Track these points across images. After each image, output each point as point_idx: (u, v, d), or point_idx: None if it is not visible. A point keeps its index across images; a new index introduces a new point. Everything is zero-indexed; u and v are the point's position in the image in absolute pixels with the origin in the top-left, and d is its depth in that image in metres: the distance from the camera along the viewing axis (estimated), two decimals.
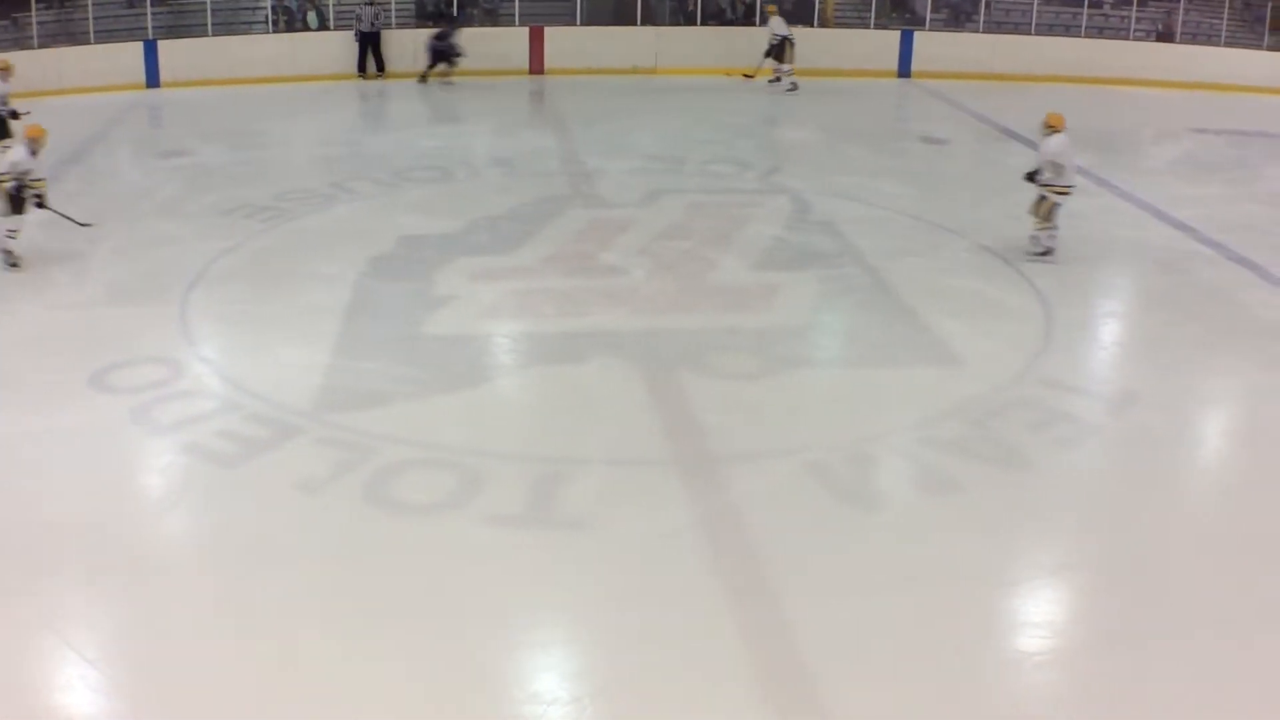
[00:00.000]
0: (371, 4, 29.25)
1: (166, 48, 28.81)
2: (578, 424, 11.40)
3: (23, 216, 15.31)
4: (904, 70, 29.65)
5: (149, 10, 29.42)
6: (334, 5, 30.02)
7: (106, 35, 29.03)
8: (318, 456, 10.61)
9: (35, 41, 29.16)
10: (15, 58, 28.65)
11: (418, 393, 11.95)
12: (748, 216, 17.45)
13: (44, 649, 8.39)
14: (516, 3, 30.60)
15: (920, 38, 29.48)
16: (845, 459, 10.62)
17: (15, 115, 20.09)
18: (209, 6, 29.40)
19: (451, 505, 9.91)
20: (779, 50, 28.15)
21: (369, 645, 8.21)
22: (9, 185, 14.80)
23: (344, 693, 7.76)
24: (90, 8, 29.30)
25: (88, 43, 29.14)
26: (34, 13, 29.25)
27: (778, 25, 28.25)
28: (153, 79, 28.83)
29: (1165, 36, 30.37)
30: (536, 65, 30.11)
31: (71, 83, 27.96)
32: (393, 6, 30.46)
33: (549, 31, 30.15)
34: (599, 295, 14.42)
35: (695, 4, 30.72)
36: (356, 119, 25.80)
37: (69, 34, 29.75)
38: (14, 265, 15.20)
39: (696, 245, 16.12)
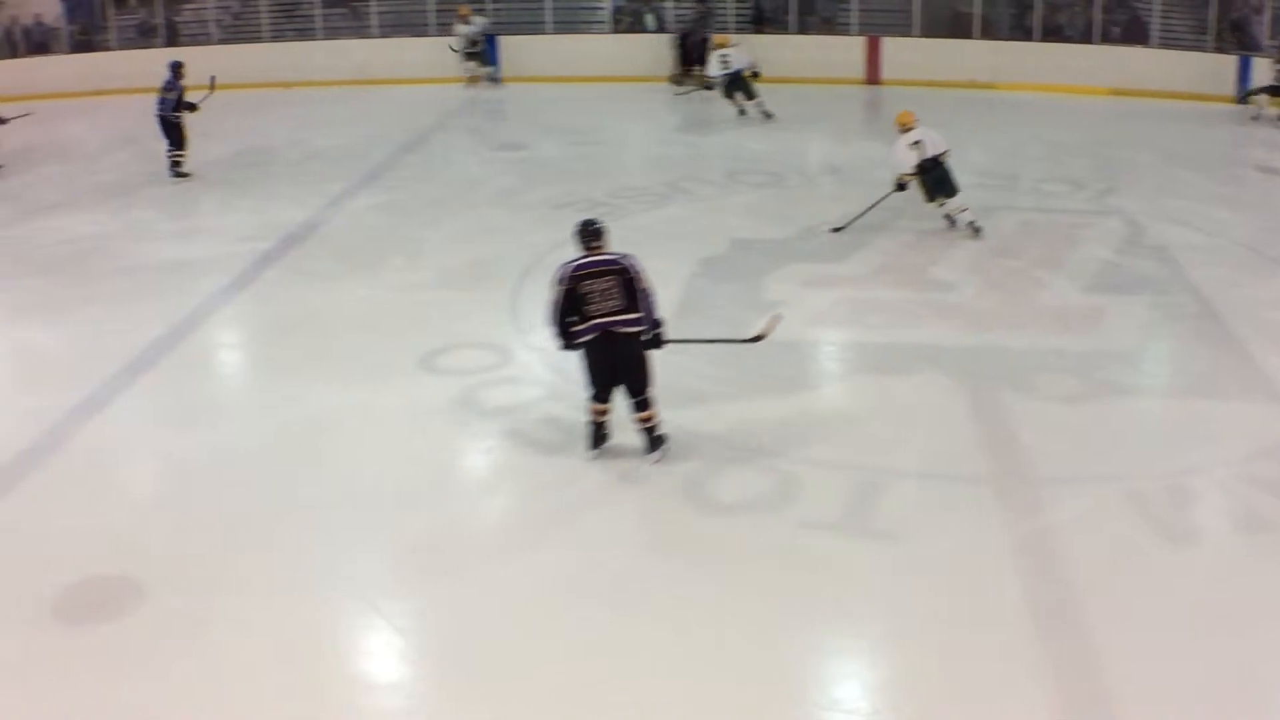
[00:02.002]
0: (696, 6, 29.52)
1: (507, 43, 29.52)
2: (897, 436, 11.33)
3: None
4: (1241, 96, 28.70)
5: (490, 5, 30.19)
6: (672, 8, 30.38)
7: (447, 29, 29.84)
8: (639, 450, 10.79)
9: (376, 31, 30.17)
10: (355, 46, 30.04)
11: (741, 394, 12.06)
12: (1079, 237, 17.09)
13: (354, 615, 8.86)
14: (854, 12, 30.64)
15: (1258, 64, 28.49)
16: (1164, 490, 10.31)
17: (710, 86, 22.86)
18: (550, 4, 30.01)
19: (767, 508, 9.99)
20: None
21: (671, 639, 8.37)
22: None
23: (640, 685, 7.94)
24: (432, 0, 30.24)
25: (426, 35, 30.01)
26: (374, 3, 30.30)
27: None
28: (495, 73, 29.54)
29: None
30: (872, 75, 30.03)
31: (411, 73, 28.93)
32: (730, 11, 30.69)
33: (886, 42, 30.07)
34: (927, 309, 14.35)
35: (1034, 19, 30.24)
36: (689, 120, 26.04)
37: (408, 25, 30.71)
38: None
39: (1026, 264, 15.89)
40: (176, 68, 21.31)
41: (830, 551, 9.39)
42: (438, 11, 30.51)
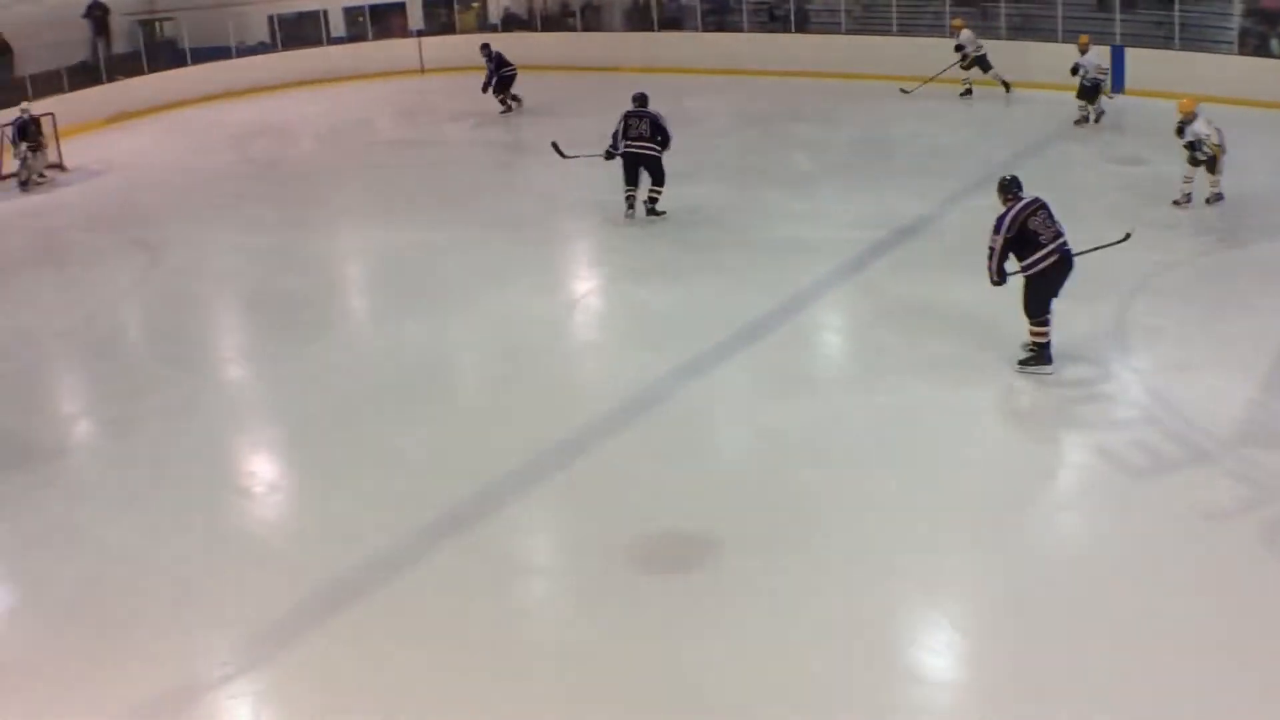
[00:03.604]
0: None
1: (1134, 55, 29.23)
2: None
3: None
4: None
5: (1118, 16, 29.94)
6: None
7: (1071, 36, 29.73)
8: (1223, 488, 10.57)
9: (1003, 32, 30.45)
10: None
11: None
12: None
13: (914, 605, 9.29)
14: None
15: None
16: None
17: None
18: (1179, 20, 29.48)
19: None
20: None
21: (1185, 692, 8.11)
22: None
23: None
24: (1060, 6, 30.24)
25: (1054, 40, 29.96)
26: (1003, 4, 30.56)
27: None
28: (1118, 84, 29.29)
29: None
30: None
31: (1032, 76, 29.01)
32: None
33: None
34: None
35: None
36: None
37: (1034, 29, 30.79)
38: None
39: None
40: (641, 99, 19.50)
41: None
42: (1065, 19, 30.47)
